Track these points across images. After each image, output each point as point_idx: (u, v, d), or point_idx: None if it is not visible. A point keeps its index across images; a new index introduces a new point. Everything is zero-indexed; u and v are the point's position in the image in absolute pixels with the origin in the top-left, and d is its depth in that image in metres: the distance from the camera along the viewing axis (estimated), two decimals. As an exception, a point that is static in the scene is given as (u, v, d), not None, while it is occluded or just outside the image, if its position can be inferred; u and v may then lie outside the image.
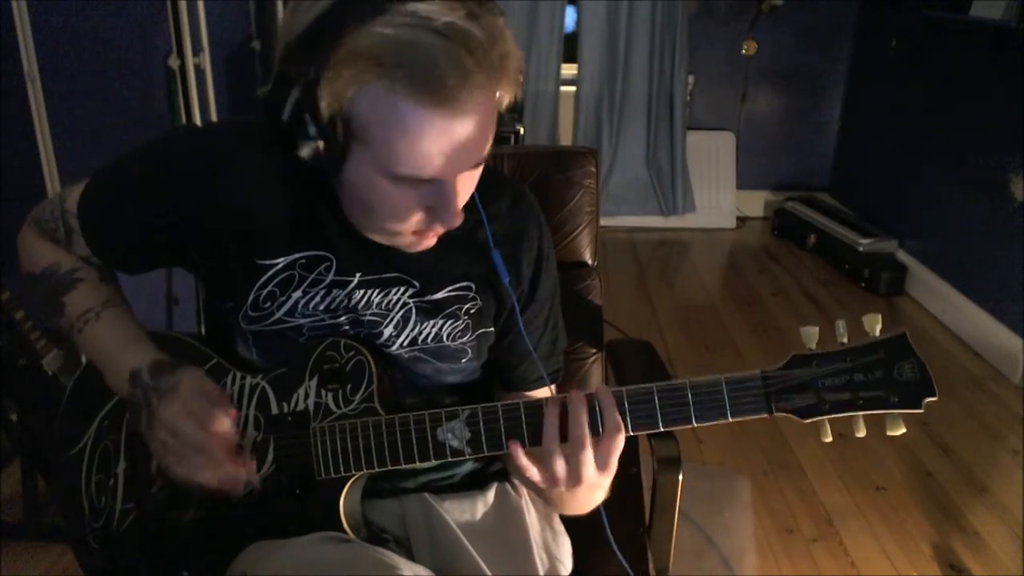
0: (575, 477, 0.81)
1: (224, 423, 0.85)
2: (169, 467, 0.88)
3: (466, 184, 0.81)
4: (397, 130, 0.71)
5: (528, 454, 0.83)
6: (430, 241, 0.86)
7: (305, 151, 0.75)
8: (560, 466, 0.81)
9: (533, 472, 0.82)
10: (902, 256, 3.48)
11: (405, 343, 0.93)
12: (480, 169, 0.82)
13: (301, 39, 0.72)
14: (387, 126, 0.72)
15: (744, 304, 3.33)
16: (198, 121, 2.41)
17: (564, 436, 0.81)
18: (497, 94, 0.75)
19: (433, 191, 0.77)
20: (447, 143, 0.73)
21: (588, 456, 0.80)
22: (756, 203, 4.35)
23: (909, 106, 3.52)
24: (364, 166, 0.76)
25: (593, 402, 0.81)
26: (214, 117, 2.75)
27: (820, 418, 0.78)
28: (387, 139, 0.72)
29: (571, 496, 0.85)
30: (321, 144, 0.74)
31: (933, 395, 0.75)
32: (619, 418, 0.80)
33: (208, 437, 0.85)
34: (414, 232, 0.83)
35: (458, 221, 0.80)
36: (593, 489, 0.85)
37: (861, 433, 0.77)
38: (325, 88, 0.70)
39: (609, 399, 0.81)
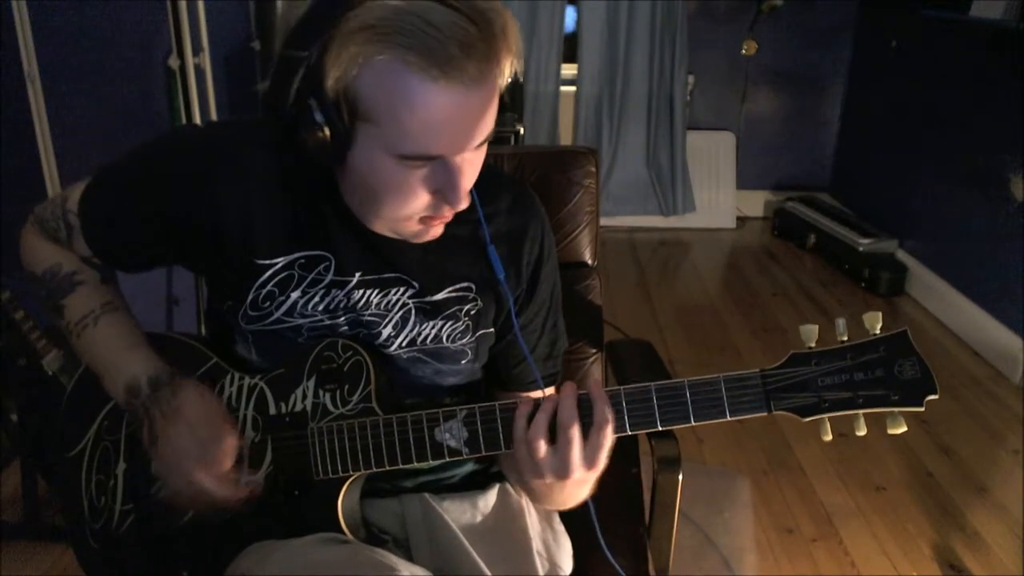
0: (562, 470, 0.80)
1: (231, 445, 0.86)
2: (173, 483, 0.88)
3: (471, 165, 0.80)
4: (403, 104, 0.71)
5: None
6: (437, 230, 0.85)
7: (310, 139, 0.74)
8: (545, 456, 0.80)
9: (523, 457, 0.81)
10: (902, 256, 3.48)
11: (404, 344, 0.92)
12: (484, 150, 0.81)
13: (304, 21, 0.72)
14: (393, 101, 0.71)
15: (744, 304, 3.32)
16: (198, 121, 2.40)
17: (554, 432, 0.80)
18: (500, 68, 0.74)
19: (439, 171, 0.77)
20: (453, 116, 0.72)
21: (575, 449, 0.79)
22: (756, 203, 4.35)
23: (909, 106, 3.52)
24: (370, 148, 0.75)
25: (584, 398, 0.81)
26: (214, 117, 2.75)
27: (820, 416, 0.78)
28: (393, 115, 0.72)
29: (556, 489, 0.85)
30: (327, 130, 0.73)
31: (935, 393, 0.75)
32: (609, 412, 0.80)
33: (213, 459, 0.85)
34: (421, 219, 0.82)
35: (465, 203, 0.79)
36: (579, 484, 0.84)
37: (862, 432, 0.77)
38: (330, 66, 0.70)
39: (600, 393, 0.80)
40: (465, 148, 0.76)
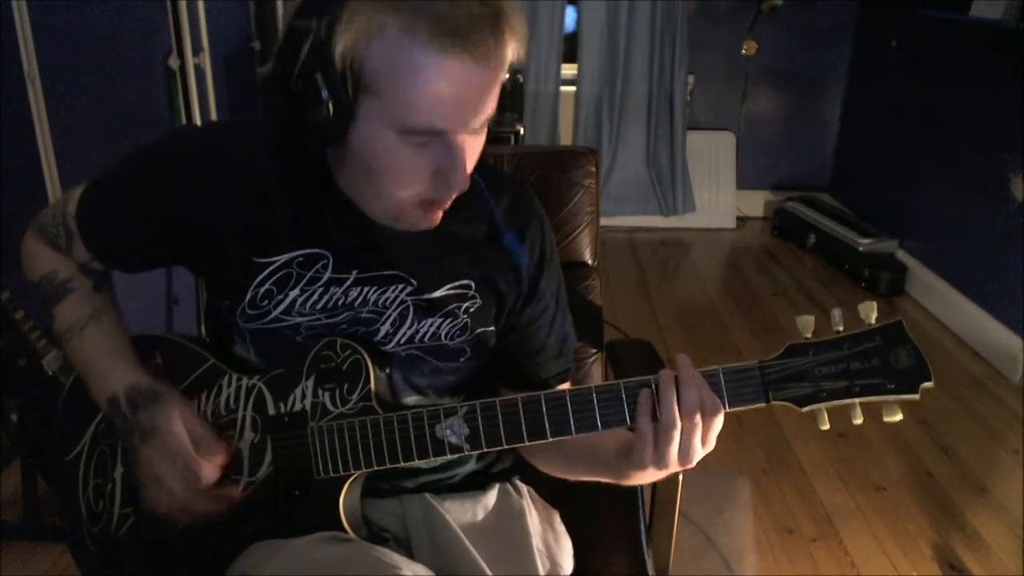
0: (687, 456, 0.79)
1: (205, 469, 0.86)
2: (150, 499, 0.89)
3: (471, 148, 0.80)
4: (410, 75, 0.72)
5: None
6: (435, 217, 0.85)
7: (311, 115, 0.74)
8: (673, 448, 0.78)
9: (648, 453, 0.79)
10: (902, 256, 3.48)
11: (402, 341, 0.92)
12: (484, 136, 0.82)
13: None
14: (399, 71, 0.72)
15: (744, 304, 3.32)
16: (198, 121, 2.40)
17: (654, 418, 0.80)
18: (505, 46, 0.75)
19: (440, 149, 0.77)
20: (458, 89, 0.73)
21: (697, 434, 0.78)
22: (756, 203, 4.35)
23: (909, 106, 3.52)
24: (373, 122, 0.76)
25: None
26: (214, 117, 2.75)
27: (817, 406, 0.78)
28: (399, 85, 0.73)
29: (648, 476, 0.84)
30: (330, 104, 0.74)
31: (929, 380, 0.75)
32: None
33: (188, 480, 0.86)
34: (420, 202, 0.82)
35: (466, 184, 0.80)
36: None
37: (858, 420, 0.77)
38: (339, 36, 0.71)
39: (700, 378, 0.79)
40: (467, 124, 0.77)
